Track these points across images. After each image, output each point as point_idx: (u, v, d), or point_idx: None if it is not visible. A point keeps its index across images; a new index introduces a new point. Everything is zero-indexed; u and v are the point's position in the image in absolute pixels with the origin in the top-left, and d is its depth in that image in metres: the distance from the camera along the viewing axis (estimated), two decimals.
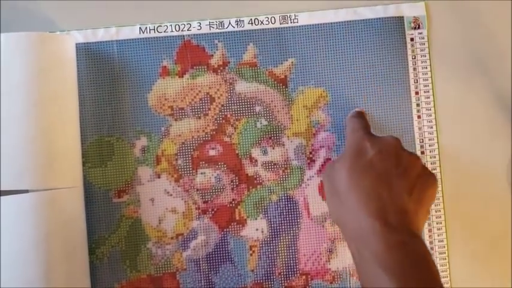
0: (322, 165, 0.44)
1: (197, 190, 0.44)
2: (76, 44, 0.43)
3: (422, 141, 0.44)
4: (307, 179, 0.44)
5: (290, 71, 0.45)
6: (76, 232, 0.41)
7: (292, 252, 0.44)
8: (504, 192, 0.44)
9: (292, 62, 0.45)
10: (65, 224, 0.40)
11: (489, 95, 0.44)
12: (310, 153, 0.45)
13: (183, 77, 0.45)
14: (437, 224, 0.44)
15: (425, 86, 0.45)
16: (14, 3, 0.45)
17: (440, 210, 0.44)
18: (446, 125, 0.45)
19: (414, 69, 0.45)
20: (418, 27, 0.45)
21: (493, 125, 0.45)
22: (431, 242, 0.44)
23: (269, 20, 0.45)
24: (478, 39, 0.45)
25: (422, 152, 0.44)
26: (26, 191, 0.38)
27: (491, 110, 0.45)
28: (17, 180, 0.38)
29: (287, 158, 0.45)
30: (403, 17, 0.45)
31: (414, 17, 0.45)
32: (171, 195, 0.44)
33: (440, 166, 0.44)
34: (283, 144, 0.45)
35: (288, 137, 0.45)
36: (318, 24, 0.45)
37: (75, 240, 0.41)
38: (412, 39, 0.45)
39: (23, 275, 0.38)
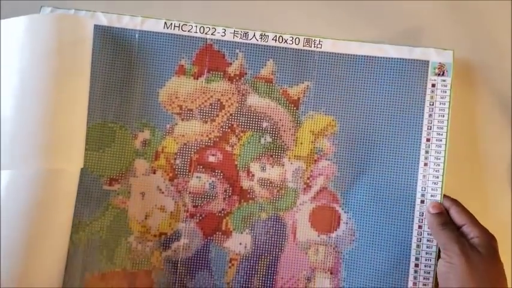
0: (317, 192, 0.41)
1: (189, 193, 0.41)
2: (97, 25, 0.40)
3: (424, 190, 0.39)
4: (300, 204, 0.41)
5: (304, 93, 0.41)
6: (63, 213, 0.37)
7: (270, 272, 0.40)
8: (504, 192, 0.41)
9: (307, 86, 0.41)
10: (55, 203, 0.36)
11: (489, 95, 0.41)
12: (308, 178, 0.41)
13: (198, 79, 0.41)
14: None
15: (439, 134, 0.40)
16: None
17: None
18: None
19: (430, 115, 0.40)
20: (443, 74, 0.40)
21: (493, 125, 0.42)
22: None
23: (293, 40, 0.41)
24: (478, 39, 0.42)
25: (422, 201, 0.39)
26: None
27: (491, 111, 0.42)
28: (21, 160, 0.35)
29: (284, 178, 0.41)
30: (428, 61, 0.40)
31: (440, 63, 0.40)
32: (162, 192, 0.40)
33: None
34: (283, 165, 0.41)
35: (289, 158, 0.41)
36: (340, 54, 0.41)
37: (61, 220, 0.37)
38: (433, 85, 0.40)
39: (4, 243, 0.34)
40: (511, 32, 0.42)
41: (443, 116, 0.40)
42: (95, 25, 0.39)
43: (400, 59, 0.41)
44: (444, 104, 0.40)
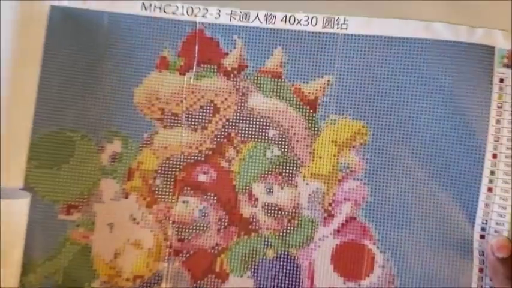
0: (342, 224, 0.31)
1: (173, 223, 0.32)
2: (54, 6, 0.32)
3: (486, 223, 0.30)
4: (319, 239, 0.31)
5: (324, 91, 0.32)
6: (12, 250, 0.30)
7: None
8: None
9: (328, 81, 0.32)
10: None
11: None
12: (330, 204, 0.31)
13: (185, 74, 0.33)
14: None
15: (510, 148, 0.30)
16: None
17: None
18: None
19: (498, 121, 0.30)
20: None
21: None
22: None
23: (309, 21, 0.32)
24: None
25: (482, 236, 0.30)
26: None
27: None
28: None
29: (297, 204, 0.32)
30: (494, 47, 0.30)
31: (509, 50, 0.30)
32: (137, 223, 0.32)
33: None
34: (296, 186, 0.32)
35: (304, 177, 0.32)
36: (373, 36, 0.31)
37: (9, 258, 0.30)
38: (501, 81, 0.30)
39: None
40: (511, 32, 0.35)
41: None
42: (51, 5, 0.32)
43: (456, 42, 0.30)
44: None
